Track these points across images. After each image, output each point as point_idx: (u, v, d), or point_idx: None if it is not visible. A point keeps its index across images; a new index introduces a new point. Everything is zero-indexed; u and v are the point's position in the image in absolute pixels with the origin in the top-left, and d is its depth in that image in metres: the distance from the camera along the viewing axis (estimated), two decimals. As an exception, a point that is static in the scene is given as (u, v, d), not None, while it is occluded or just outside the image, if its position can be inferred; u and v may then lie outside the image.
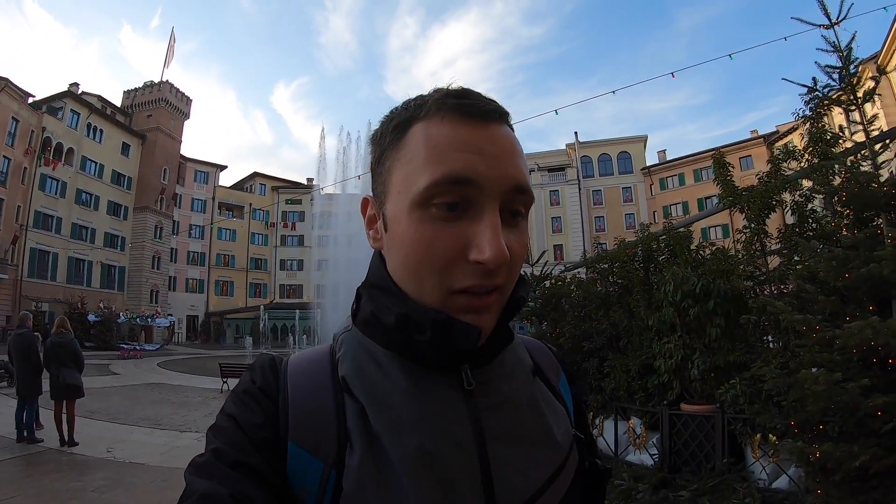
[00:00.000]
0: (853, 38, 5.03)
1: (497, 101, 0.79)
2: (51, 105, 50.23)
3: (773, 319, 5.20)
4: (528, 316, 10.24)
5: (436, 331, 0.73)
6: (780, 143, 31.12)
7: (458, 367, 0.78)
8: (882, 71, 7.40)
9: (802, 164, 7.24)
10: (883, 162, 4.71)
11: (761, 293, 6.92)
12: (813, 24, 5.25)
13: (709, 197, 51.18)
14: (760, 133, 56.99)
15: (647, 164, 65.85)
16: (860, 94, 4.92)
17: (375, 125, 0.84)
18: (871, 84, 5.16)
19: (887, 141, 5.11)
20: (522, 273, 0.82)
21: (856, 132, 5.11)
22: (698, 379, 6.70)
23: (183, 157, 65.47)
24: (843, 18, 5.13)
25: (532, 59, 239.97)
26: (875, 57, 40.09)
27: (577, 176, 65.68)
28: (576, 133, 69.08)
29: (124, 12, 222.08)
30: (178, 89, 63.90)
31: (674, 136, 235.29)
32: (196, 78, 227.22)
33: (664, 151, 66.61)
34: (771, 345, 6.67)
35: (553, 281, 10.54)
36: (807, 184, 6.96)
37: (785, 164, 7.79)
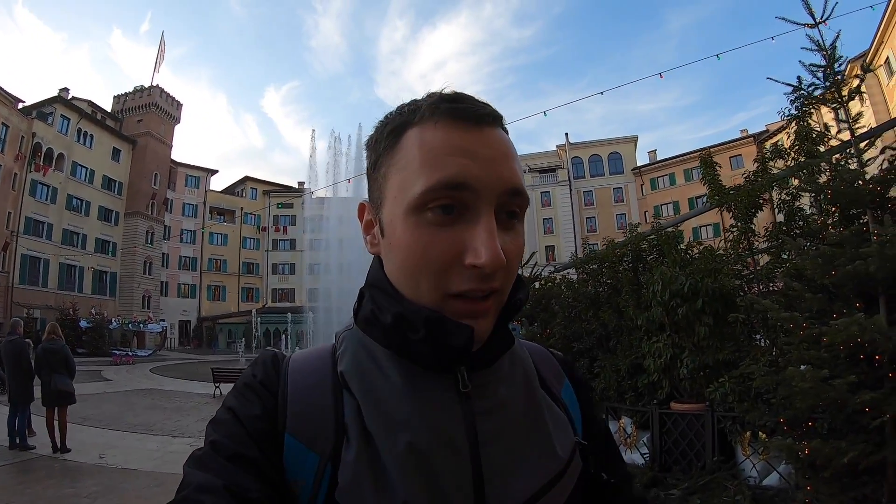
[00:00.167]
0: (837, 37, 5.07)
1: (490, 104, 0.80)
2: (41, 110, 50.05)
3: (761, 317, 5.24)
4: (518, 317, 10.28)
5: (429, 329, 0.73)
6: (770, 142, 31.23)
7: (454, 369, 0.78)
8: (866, 69, 7.39)
9: (789, 162, 7.28)
10: (868, 159, 4.75)
11: (749, 291, 6.96)
12: (798, 24, 5.30)
13: (699, 196, 51.52)
14: (750, 132, 57.27)
15: (638, 165, 66.11)
16: (845, 93, 4.97)
17: (367, 128, 0.84)
18: (856, 82, 5.20)
19: (872, 139, 5.14)
20: (520, 274, 0.83)
21: (841, 130, 5.15)
22: (688, 378, 6.73)
23: (174, 161, 65.28)
24: (828, 18, 5.17)
25: (522, 60, 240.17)
26: (864, 55, 40.38)
27: (568, 177, 65.87)
28: (566, 134, 69.54)
29: (114, 17, 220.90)
30: (169, 94, 63.86)
31: (664, 136, 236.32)
32: (186, 82, 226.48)
33: (655, 152, 66.92)
34: (760, 343, 6.71)
35: (543, 282, 10.58)
36: (795, 182, 7.00)
37: (771, 163, 7.84)
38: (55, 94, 52.51)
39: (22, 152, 46.36)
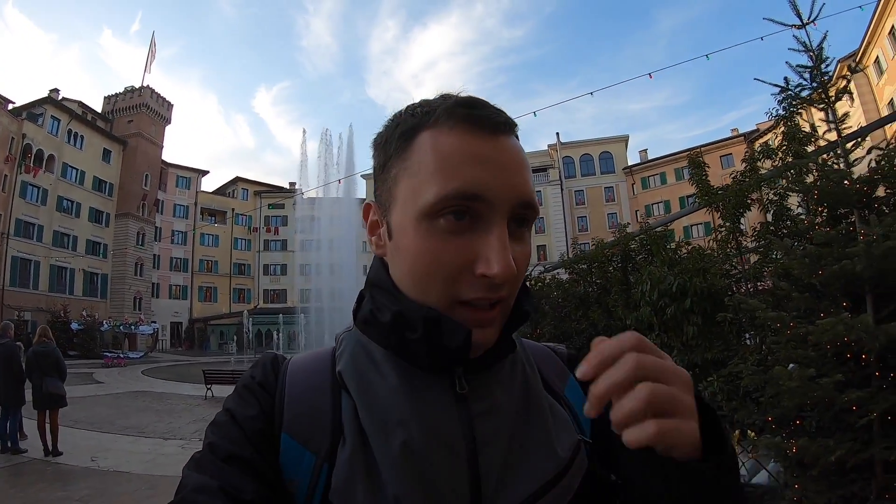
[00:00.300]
0: (824, 38, 5.09)
1: (504, 110, 0.79)
2: (31, 111, 49.98)
3: (748, 317, 5.28)
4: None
5: (426, 328, 0.74)
6: (760, 141, 31.35)
7: (451, 371, 0.78)
8: (853, 70, 7.44)
9: (776, 162, 7.31)
10: (855, 160, 4.79)
11: (738, 291, 6.99)
12: (784, 25, 5.31)
13: (690, 195, 51.71)
14: (741, 132, 57.63)
15: (629, 164, 66.46)
16: (832, 93, 5.00)
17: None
18: (843, 83, 5.23)
19: (859, 139, 5.17)
20: (526, 284, 0.83)
21: (829, 130, 5.18)
22: (677, 377, 6.76)
23: (164, 162, 65.17)
24: (815, 19, 5.19)
25: (513, 60, 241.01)
26: (854, 54, 40.66)
27: (560, 176, 66.03)
28: (557, 134, 69.70)
29: (105, 17, 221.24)
30: (160, 94, 63.74)
31: (655, 135, 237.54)
32: (177, 83, 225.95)
33: (646, 151, 67.29)
34: (749, 342, 6.74)
35: (533, 282, 10.60)
36: (783, 182, 7.03)
37: (759, 163, 7.87)
38: (45, 94, 52.46)
39: (12, 154, 46.25)
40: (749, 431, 5.69)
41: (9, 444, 9.53)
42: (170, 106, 65.68)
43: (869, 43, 40.68)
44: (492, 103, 0.78)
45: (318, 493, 0.73)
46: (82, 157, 54.07)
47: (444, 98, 0.78)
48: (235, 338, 51.17)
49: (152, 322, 54.65)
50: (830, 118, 4.94)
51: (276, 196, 72.97)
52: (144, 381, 25.22)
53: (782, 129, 6.97)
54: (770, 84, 5.52)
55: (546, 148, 70.19)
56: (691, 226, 46.89)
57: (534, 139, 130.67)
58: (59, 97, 54.05)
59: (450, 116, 0.74)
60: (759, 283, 7.12)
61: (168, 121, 65.33)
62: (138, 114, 60.70)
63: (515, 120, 0.80)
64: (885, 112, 38.28)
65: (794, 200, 7.04)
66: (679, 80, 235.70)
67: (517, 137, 0.79)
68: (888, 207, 4.71)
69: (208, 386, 18.68)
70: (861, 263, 3.91)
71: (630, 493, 0.72)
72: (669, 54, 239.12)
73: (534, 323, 9.74)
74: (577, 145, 68.36)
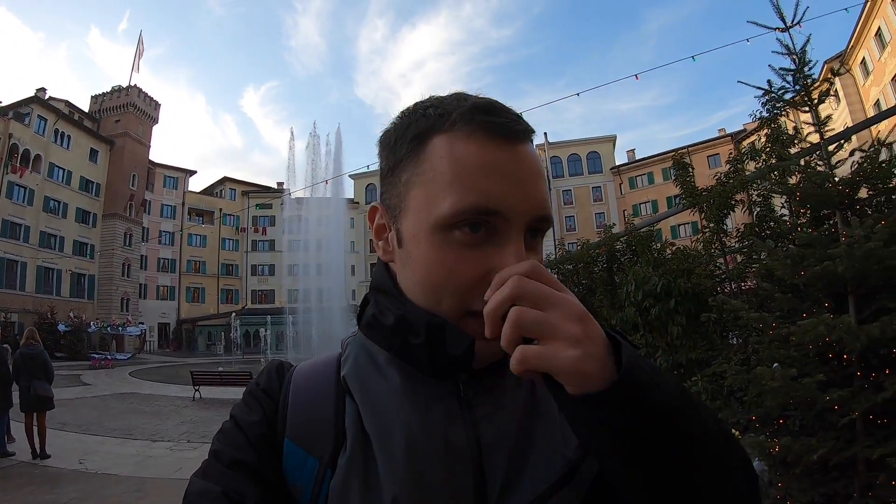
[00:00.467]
0: (807, 41, 5.13)
1: (521, 115, 0.77)
2: (17, 111, 49.47)
3: (733, 317, 5.32)
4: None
5: (429, 334, 0.73)
6: (747, 142, 31.57)
7: (455, 375, 0.76)
8: (836, 73, 7.49)
9: (760, 164, 7.36)
10: (838, 161, 4.84)
11: (722, 291, 7.04)
12: (768, 28, 5.35)
13: (678, 195, 51.94)
14: (728, 131, 57.89)
15: (617, 164, 66.65)
16: (815, 96, 5.05)
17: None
18: (826, 86, 5.28)
19: (842, 141, 5.22)
20: None
21: (811, 132, 5.23)
22: (661, 377, 6.79)
23: (152, 162, 64.76)
24: (798, 22, 5.23)
25: (501, 60, 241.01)
26: (840, 55, 41.00)
27: (547, 176, 66.05)
28: (545, 134, 69.48)
29: (92, 16, 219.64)
30: (147, 94, 63.34)
31: (643, 135, 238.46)
32: (165, 82, 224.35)
33: (633, 151, 67.47)
34: (733, 342, 6.78)
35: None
36: (768, 183, 7.08)
37: (744, 165, 7.93)
38: (32, 94, 51.92)
39: (-2, 154, 45.82)
40: (734, 430, 5.73)
41: (-3, 447, 9.45)
42: (157, 105, 65.32)
43: (855, 44, 41.02)
44: (508, 106, 0.76)
45: (322, 499, 0.73)
46: (69, 156, 53.66)
47: (459, 99, 0.75)
48: (223, 338, 50.95)
49: (140, 323, 54.31)
50: (812, 121, 4.99)
51: (264, 196, 72.69)
52: (132, 382, 25.02)
53: (766, 131, 7.03)
54: (753, 87, 5.57)
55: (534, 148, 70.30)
56: (679, 225, 47.13)
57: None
58: (46, 96, 53.60)
59: (467, 122, 0.71)
60: (742, 283, 7.17)
61: (155, 120, 64.95)
62: (125, 113, 60.26)
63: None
64: (871, 112, 38.58)
65: (778, 201, 7.10)
66: (667, 80, 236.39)
67: (533, 143, 0.77)
68: (870, 209, 4.76)
69: (196, 387, 18.61)
70: (843, 264, 3.95)
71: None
72: (658, 54, 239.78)
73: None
74: (565, 145, 68.49)
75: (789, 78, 5.14)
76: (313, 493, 0.74)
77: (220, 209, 70.44)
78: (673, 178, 9.02)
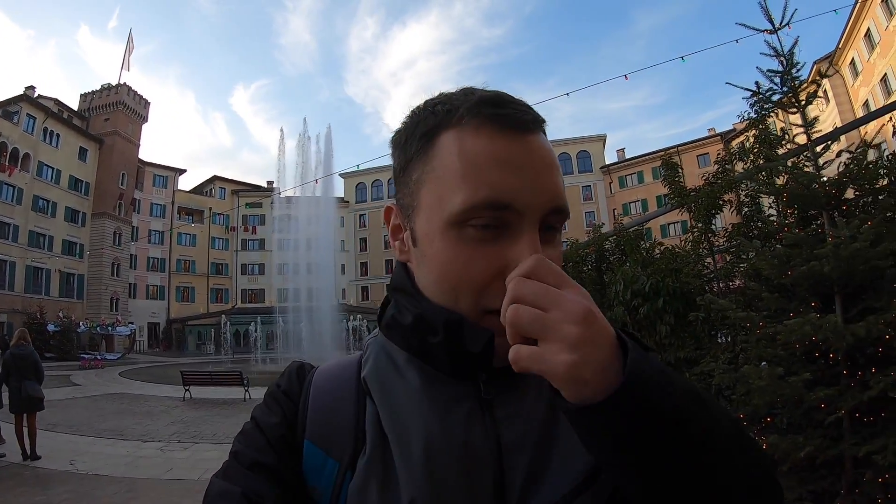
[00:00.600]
0: (795, 43, 5.16)
1: (531, 105, 0.75)
2: (6, 109, 49.19)
3: (720, 316, 5.36)
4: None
5: (447, 332, 0.72)
6: (736, 141, 31.72)
7: (475, 375, 0.75)
8: (823, 75, 7.54)
9: (748, 165, 7.41)
10: (825, 162, 4.88)
11: (711, 290, 7.09)
12: (756, 30, 5.38)
13: (667, 194, 52.49)
14: (718, 131, 58.20)
15: (607, 163, 66.83)
16: (803, 98, 5.09)
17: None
18: (814, 88, 5.32)
19: (829, 142, 5.27)
20: None
21: (798, 134, 5.26)
22: (650, 376, 6.82)
23: (141, 161, 64.46)
24: (786, 24, 5.27)
25: (492, 59, 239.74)
26: (830, 56, 41.33)
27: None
28: (536, 132, 69.52)
29: (82, 13, 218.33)
30: (136, 92, 62.97)
31: (633, 134, 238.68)
32: (154, 80, 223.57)
33: (623, 150, 67.74)
34: (721, 340, 6.82)
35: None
36: (755, 184, 7.12)
37: (732, 165, 7.97)
38: (21, 92, 51.57)
39: (-14, 153, 45.55)
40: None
41: (-14, 448, 9.41)
42: (147, 104, 64.97)
43: (845, 45, 41.36)
44: (517, 98, 0.75)
45: (341, 502, 0.73)
46: (58, 155, 53.36)
47: (467, 94, 0.74)
48: (213, 338, 50.78)
49: (129, 323, 54.08)
50: (800, 122, 5.02)
51: (254, 195, 72.54)
52: (122, 382, 24.88)
53: (754, 132, 7.08)
54: (741, 88, 5.61)
55: (524, 147, 70.41)
56: (668, 224, 47.30)
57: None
58: (35, 94, 53.31)
59: (474, 115, 0.70)
60: (730, 283, 7.22)
61: (145, 119, 64.61)
62: (115, 112, 59.90)
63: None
64: (860, 112, 38.94)
65: (767, 201, 7.14)
66: (657, 79, 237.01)
67: (545, 134, 0.75)
68: (857, 209, 4.81)
69: (186, 387, 18.49)
70: (829, 264, 3.99)
71: None
72: (648, 54, 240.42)
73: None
74: (554, 144, 65.55)
75: (777, 80, 5.17)
76: (332, 496, 0.74)
77: (210, 208, 70.26)
78: (662, 177, 9.06)
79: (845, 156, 4.82)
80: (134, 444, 11.00)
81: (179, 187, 71.21)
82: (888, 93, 36.02)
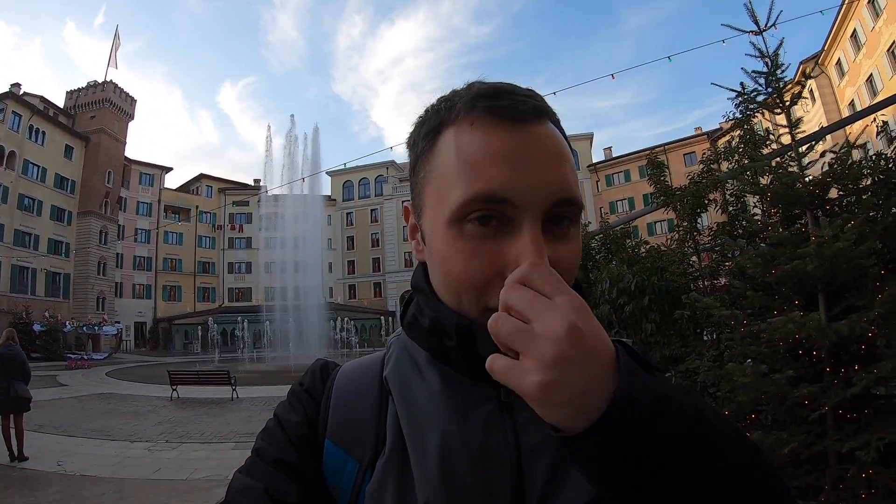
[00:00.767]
0: (780, 45, 5.20)
1: (534, 92, 0.73)
2: (-8, 107, 48.74)
3: (705, 314, 5.41)
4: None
5: (459, 336, 0.71)
6: (722, 141, 31.95)
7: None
8: (808, 75, 7.61)
9: (733, 164, 7.45)
10: (809, 162, 4.93)
11: (696, 288, 7.13)
12: (741, 31, 5.43)
13: (654, 193, 52.83)
14: (704, 130, 58.45)
15: (594, 161, 66.92)
16: (787, 98, 5.14)
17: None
18: (798, 89, 5.36)
19: (813, 143, 5.32)
20: (580, 282, 0.77)
21: (782, 134, 5.31)
22: (635, 373, 6.86)
23: (127, 158, 64.07)
24: (771, 25, 5.31)
25: (480, 57, 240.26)
26: (816, 56, 41.70)
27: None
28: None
29: (68, 9, 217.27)
30: (123, 89, 62.56)
31: (620, 132, 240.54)
32: (141, 77, 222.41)
33: (610, 148, 67.93)
34: (706, 338, 6.85)
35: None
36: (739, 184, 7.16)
37: (718, 164, 8.02)
38: (6, 89, 51.08)
39: (-29, 151, 45.17)
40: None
41: (-26, 450, 9.35)
42: (133, 101, 64.60)
43: (831, 45, 41.70)
44: (517, 86, 0.73)
45: (360, 502, 0.73)
46: (44, 153, 52.96)
47: (468, 88, 0.72)
48: (200, 337, 50.57)
49: (116, 322, 53.72)
50: (785, 122, 5.07)
51: (241, 193, 72.22)
52: (109, 382, 24.76)
53: (739, 132, 7.13)
54: (726, 88, 5.64)
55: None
56: (655, 222, 47.52)
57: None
58: (21, 92, 52.80)
59: (470, 110, 0.69)
60: (715, 281, 7.26)
61: (131, 116, 64.24)
62: (101, 109, 59.50)
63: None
64: (845, 112, 39.32)
65: (753, 200, 7.19)
66: (644, 78, 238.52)
67: (554, 122, 0.72)
68: (840, 209, 4.86)
69: (174, 387, 18.49)
70: (812, 263, 4.04)
71: None
72: (636, 53, 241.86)
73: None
74: None
75: (762, 80, 5.21)
76: (352, 495, 0.74)
77: (197, 206, 69.93)
78: (648, 176, 9.09)
79: (829, 156, 4.86)
80: (121, 445, 10.98)
81: (166, 185, 70.78)
82: (874, 93, 36.34)
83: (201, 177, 76.40)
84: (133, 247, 63.97)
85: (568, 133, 0.75)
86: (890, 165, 5.00)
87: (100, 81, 60.93)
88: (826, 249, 3.98)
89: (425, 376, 0.76)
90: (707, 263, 7.46)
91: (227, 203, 69.93)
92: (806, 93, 5.57)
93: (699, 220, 7.75)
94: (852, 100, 39.61)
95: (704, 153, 8.55)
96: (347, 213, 76.28)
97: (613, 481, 0.53)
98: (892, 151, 5.24)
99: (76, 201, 56.78)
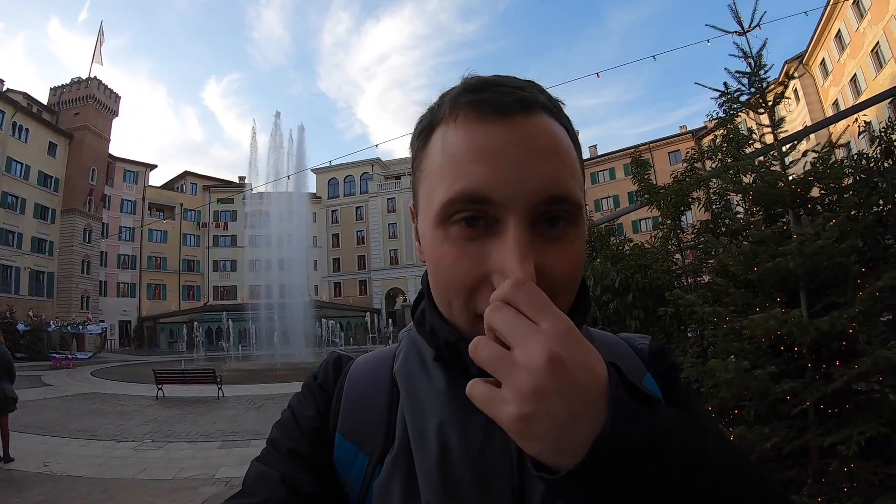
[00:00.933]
0: (764, 45, 5.25)
1: (531, 83, 0.70)
2: (-27, 104, 48.21)
3: (688, 311, 5.46)
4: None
5: (449, 351, 0.71)
6: (706, 140, 32.17)
7: None
8: (791, 76, 7.70)
9: (716, 163, 7.51)
10: (791, 161, 4.98)
11: (679, 286, 7.18)
12: (725, 31, 5.47)
13: (638, 191, 53.03)
14: (689, 128, 58.81)
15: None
16: (770, 98, 5.19)
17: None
18: (781, 89, 5.41)
19: (795, 142, 5.38)
20: (585, 283, 0.74)
21: (765, 133, 5.36)
22: (619, 370, 6.91)
23: (111, 156, 63.54)
24: (755, 26, 5.36)
25: (466, 55, 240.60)
26: (801, 56, 42.07)
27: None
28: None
29: (52, 5, 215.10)
30: (107, 86, 61.84)
31: (605, 130, 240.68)
32: (125, 74, 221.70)
33: (595, 146, 68.08)
34: (690, 335, 6.91)
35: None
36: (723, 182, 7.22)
37: (701, 163, 8.09)
38: (-10, 86, 50.66)
39: (-47, 148, 44.70)
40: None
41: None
42: (117, 98, 64.01)
43: (816, 45, 42.05)
44: (514, 77, 0.70)
45: (369, 496, 0.73)
46: (27, 150, 52.40)
47: (462, 84, 0.69)
48: (186, 336, 50.30)
49: (100, 321, 53.22)
50: (767, 122, 5.13)
51: (226, 191, 71.91)
52: (94, 382, 24.56)
53: (722, 131, 7.19)
54: (710, 88, 5.70)
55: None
56: (640, 220, 47.73)
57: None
58: (4, 88, 52.32)
59: (454, 107, 0.66)
60: (699, 279, 7.32)
61: (115, 113, 63.69)
62: (85, 106, 58.96)
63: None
64: (829, 112, 39.69)
65: (736, 198, 7.26)
66: (630, 76, 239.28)
67: (550, 114, 0.68)
68: (822, 207, 4.93)
69: (159, 386, 18.39)
70: (794, 261, 4.10)
71: None
72: (623, 50, 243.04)
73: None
74: None
75: (745, 81, 5.27)
76: (361, 489, 0.74)
77: (181, 204, 69.39)
78: (631, 176, 9.14)
79: (811, 155, 4.92)
80: (107, 445, 10.92)
81: (150, 183, 70.35)
82: (858, 93, 36.70)
83: (186, 174, 75.94)
84: (117, 245, 63.49)
85: (554, 130, 0.69)
86: (871, 165, 5.08)
87: (84, 78, 60.36)
88: (807, 247, 4.04)
89: (431, 374, 0.75)
90: (690, 261, 7.52)
91: (211, 201, 69.47)
92: (790, 92, 5.61)
93: (683, 218, 7.82)
94: (836, 99, 40.00)
95: (688, 152, 8.61)
96: (332, 211, 76.01)
97: None
98: (874, 151, 5.32)
99: (60, 199, 56.26)
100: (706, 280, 7.09)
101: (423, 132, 0.71)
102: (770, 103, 5.15)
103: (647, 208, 8.14)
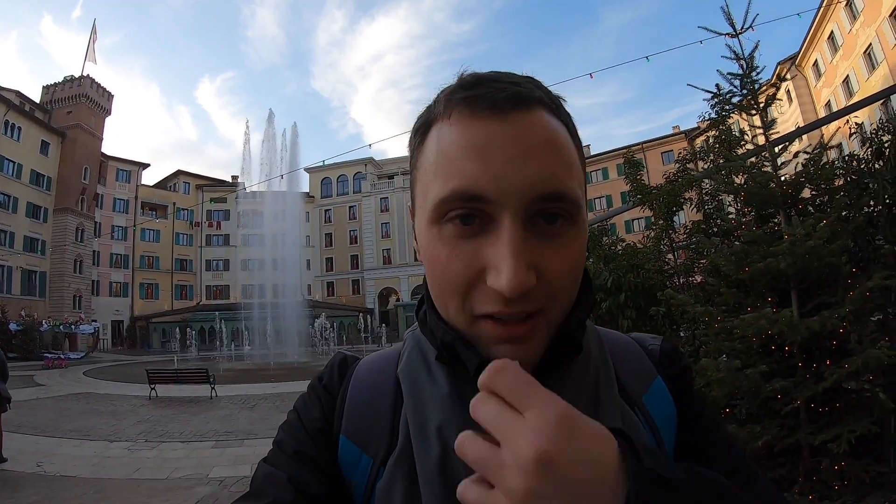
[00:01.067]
0: (756, 48, 5.30)
1: (529, 78, 0.67)
2: (-34, 102, 47.95)
3: (680, 311, 5.48)
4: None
5: (447, 352, 0.69)
6: (698, 141, 32.28)
7: None
8: (783, 78, 7.71)
9: (708, 164, 7.54)
10: (783, 162, 5.02)
11: (671, 286, 7.21)
12: (718, 33, 5.51)
13: (630, 191, 53.12)
14: (683, 128, 58.89)
15: (572, 159, 67.20)
16: (762, 100, 5.23)
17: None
18: (773, 91, 5.45)
19: (786, 143, 5.41)
20: (588, 277, 0.72)
21: (756, 135, 5.40)
22: (612, 369, 6.93)
23: (104, 155, 63.10)
24: (747, 28, 5.40)
25: (460, 54, 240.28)
26: (794, 57, 42.23)
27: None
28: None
29: (45, 2, 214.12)
30: (100, 84, 61.43)
31: (599, 130, 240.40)
32: (119, 72, 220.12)
33: (588, 146, 67.91)
34: (682, 334, 6.93)
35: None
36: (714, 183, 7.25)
37: (693, 164, 8.13)
38: (-19, 86, 50.37)
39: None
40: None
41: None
42: (110, 96, 63.62)
43: (809, 47, 42.19)
44: (511, 73, 0.68)
45: (373, 498, 0.72)
46: (20, 149, 52.09)
47: (458, 81, 0.68)
48: (178, 335, 50.16)
49: (93, 321, 52.92)
50: (759, 123, 5.16)
51: (219, 190, 71.48)
52: (87, 382, 24.45)
53: (714, 132, 7.23)
54: (702, 90, 5.73)
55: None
56: (632, 220, 47.82)
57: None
58: (-4, 87, 52.16)
59: (449, 103, 0.65)
60: (690, 278, 7.35)
61: (108, 112, 63.27)
62: (77, 104, 58.58)
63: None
64: (822, 113, 39.83)
65: (728, 198, 7.29)
66: (624, 76, 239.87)
67: (548, 110, 0.66)
68: (813, 208, 4.97)
69: (152, 386, 18.29)
70: (785, 261, 4.13)
71: None
72: (617, 51, 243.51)
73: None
74: None
75: (737, 82, 5.30)
76: (366, 491, 0.73)
77: (174, 203, 69.13)
78: (624, 176, 9.16)
79: (803, 156, 4.96)
80: (101, 445, 10.88)
81: (143, 182, 70.00)
82: (850, 94, 36.81)
83: (179, 173, 75.66)
84: (110, 244, 63.16)
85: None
86: (862, 166, 5.12)
87: (77, 76, 60.03)
88: (798, 247, 4.08)
89: (434, 374, 0.74)
90: (682, 261, 7.54)
91: (204, 200, 69.17)
92: (782, 93, 5.67)
93: (675, 219, 7.85)
94: (829, 101, 40.12)
95: (681, 152, 8.64)
96: (326, 211, 75.81)
97: None
98: (865, 152, 5.36)
99: (52, 198, 55.93)
100: (698, 280, 7.12)
101: (420, 130, 0.69)
102: (762, 105, 5.19)
103: (640, 208, 8.17)
